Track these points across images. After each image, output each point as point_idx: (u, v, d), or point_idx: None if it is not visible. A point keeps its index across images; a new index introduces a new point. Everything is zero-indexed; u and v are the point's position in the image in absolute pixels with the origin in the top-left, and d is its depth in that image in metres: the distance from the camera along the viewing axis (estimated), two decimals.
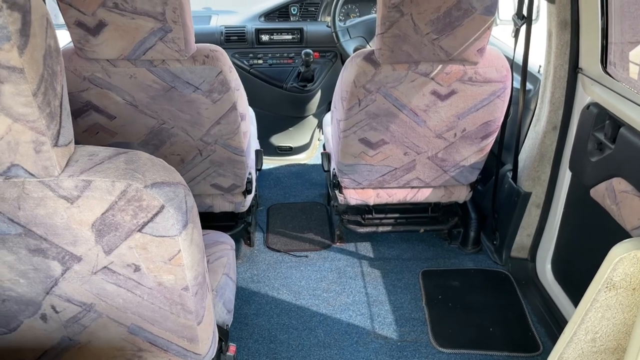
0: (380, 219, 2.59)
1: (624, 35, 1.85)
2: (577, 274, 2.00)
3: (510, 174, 2.29)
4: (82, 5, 1.50)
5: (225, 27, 3.10)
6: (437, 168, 2.19)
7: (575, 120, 1.95)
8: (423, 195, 2.37)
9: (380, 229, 2.58)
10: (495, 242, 2.47)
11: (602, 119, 1.74)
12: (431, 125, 2.00)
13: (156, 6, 1.52)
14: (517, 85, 2.22)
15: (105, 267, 0.95)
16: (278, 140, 3.51)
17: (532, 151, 2.15)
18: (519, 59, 2.10)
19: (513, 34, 2.05)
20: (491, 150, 2.18)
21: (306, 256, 2.56)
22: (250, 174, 2.22)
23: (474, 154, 2.13)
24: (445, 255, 2.58)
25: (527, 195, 2.20)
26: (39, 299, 1.01)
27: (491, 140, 2.08)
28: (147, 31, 1.57)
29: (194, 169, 2.00)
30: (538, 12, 2.29)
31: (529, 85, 2.28)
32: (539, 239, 2.29)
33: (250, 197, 2.31)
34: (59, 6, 1.51)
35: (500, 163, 2.38)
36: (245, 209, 2.31)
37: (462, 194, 2.40)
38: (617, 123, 1.66)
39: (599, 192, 1.72)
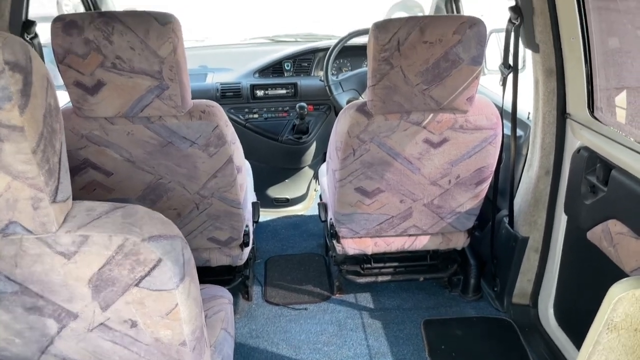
0: (379, 268, 2.57)
1: (609, 82, 1.91)
2: (579, 318, 1.97)
3: (506, 220, 2.30)
4: (81, 66, 1.54)
5: (221, 84, 3.18)
6: (434, 215, 2.20)
7: (567, 164, 1.98)
8: (421, 242, 2.36)
9: (380, 278, 2.56)
10: (495, 289, 2.44)
11: (593, 162, 1.77)
12: (425, 172, 2.02)
13: (153, 65, 1.57)
14: (507, 131, 2.26)
15: (101, 323, 0.94)
16: (275, 192, 3.53)
17: (527, 196, 2.17)
18: (508, 106, 2.15)
19: (501, 83, 2.11)
20: (486, 196, 2.20)
21: (305, 309, 2.52)
22: (247, 226, 2.22)
23: (469, 200, 2.14)
24: (447, 303, 2.55)
25: (525, 240, 2.20)
26: (34, 358, 0.98)
27: (485, 186, 2.10)
28: (144, 89, 1.61)
29: (191, 222, 2.00)
30: (524, 61, 2.37)
31: (519, 132, 2.32)
32: (540, 284, 2.27)
33: (247, 250, 2.30)
34: (58, 68, 1.56)
35: (496, 208, 2.39)
36: (242, 262, 2.30)
37: (460, 241, 2.40)
38: (608, 166, 1.68)
39: (596, 235, 1.73)
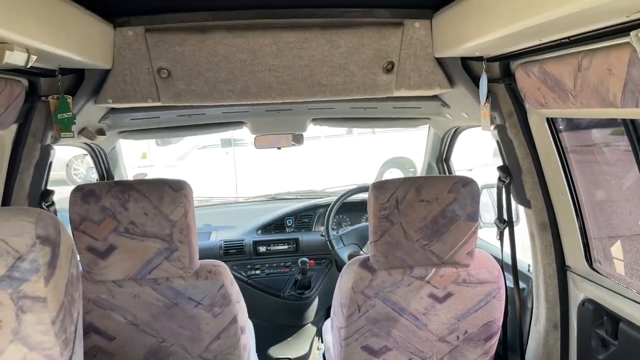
0: None
1: (602, 232, 1.98)
2: None
3: None
4: (95, 232, 1.61)
5: (224, 242, 3.25)
6: None
7: (574, 316, 1.96)
8: None
9: None
10: None
11: (600, 315, 1.76)
12: (432, 328, 1.98)
13: (164, 229, 1.64)
14: (510, 284, 2.27)
15: None
16: (276, 352, 3.39)
17: (538, 351, 2.10)
18: (508, 259, 2.19)
19: (498, 237, 2.18)
20: (496, 352, 2.13)
21: None
22: None
23: (480, 357, 2.07)
24: None
25: None
26: None
27: (495, 342, 2.05)
28: (154, 252, 1.66)
29: None
30: (517, 215, 2.47)
31: (522, 284, 2.33)
32: None
33: None
34: (72, 234, 1.62)
35: None
36: None
37: None
38: (615, 318, 1.67)
39: None
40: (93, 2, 1.69)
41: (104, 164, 2.85)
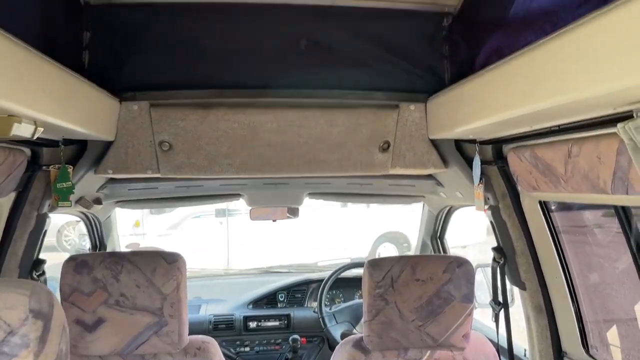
0: None
1: (598, 315, 1.96)
2: None
3: None
4: (85, 304, 1.58)
5: (214, 316, 3.18)
6: None
7: None
8: None
9: None
10: None
11: None
12: None
13: (155, 302, 1.61)
14: None
15: None
16: None
17: None
18: (504, 341, 2.14)
19: (493, 319, 2.15)
20: None
21: None
22: None
23: None
24: None
25: None
26: None
27: None
28: (143, 326, 1.62)
29: None
30: (513, 296, 2.45)
31: None
32: None
33: None
34: (62, 305, 1.59)
35: None
36: None
37: None
38: None
39: None
40: (102, 77, 1.76)
41: (97, 233, 2.83)
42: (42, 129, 1.34)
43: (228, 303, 3.38)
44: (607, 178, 1.32)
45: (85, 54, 1.85)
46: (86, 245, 3.03)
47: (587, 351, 1.81)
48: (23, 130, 1.26)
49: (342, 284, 3.39)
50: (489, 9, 1.74)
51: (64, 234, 9.64)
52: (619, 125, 1.07)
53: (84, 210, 2.41)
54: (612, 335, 1.94)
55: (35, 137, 1.33)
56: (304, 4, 1.96)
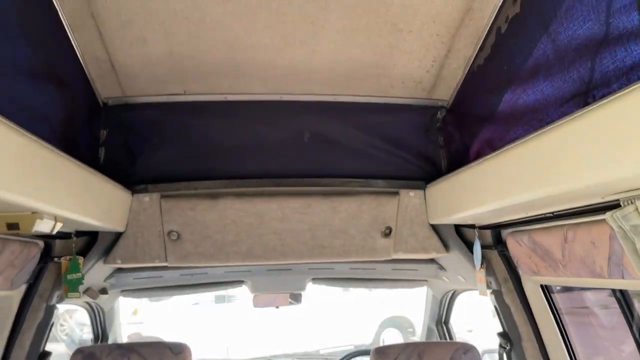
0: None
1: None
2: None
3: None
4: None
5: None
6: None
7: None
8: None
9: None
10: None
11: None
12: None
13: None
14: None
15: None
16: None
17: None
18: None
19: None
20: None
21: None
22: None
23: None
24: None
25: None
26: None
27: None
28: None
29: None
30: None
31: None
32: None
33: None
34: None
35: None
36: None
37: None
38: None
39: None
40: (116, 172, 1.85)
41: (100, 324, 2.81)
42: (61, 224, 1.40)
43: None
44: (603, 263, 1.37)
45: (101, 151, 1.96)
46: (84, 335, 2.99)
47: None
48: (44, 226, 1.32)
49: None
50: (479, 104, 1.88)
51: (59, 323, 9.40)
52: (607, 214, 1.14)
53: (90, 300, 2.41)
54: None
55: (54, 232, 1.39)
56: (307, 100, 2.11)
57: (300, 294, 3.14)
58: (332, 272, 2.87)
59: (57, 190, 1.32)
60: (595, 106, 0.99)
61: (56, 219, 1.38)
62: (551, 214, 1.51)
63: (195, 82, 1.98)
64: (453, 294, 2.97)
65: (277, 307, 3.24)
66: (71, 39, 1.67)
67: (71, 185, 1.41)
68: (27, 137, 1.14)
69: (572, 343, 1.92)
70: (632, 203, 1.09)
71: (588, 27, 1.21)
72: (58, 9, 1.56)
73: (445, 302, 3.05)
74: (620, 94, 0.93)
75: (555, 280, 1.80)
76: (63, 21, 1.60)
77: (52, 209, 1.29)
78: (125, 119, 2.01)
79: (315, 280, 3.02)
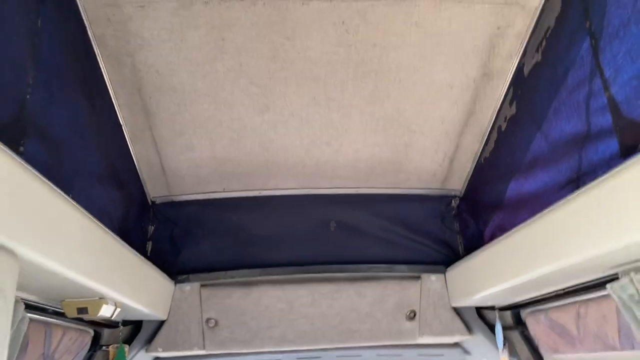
0: None
1: None
2: None
3: None
4: None
5: None
6: None
7: None
8: None
9: None
10: None
11: None
12: None
13: None
14: None
15: None
16: None
17: None
18: None
19: None
20: None
21: None
22: None
23: None
24: None
25: None
26: None
27: None
28: None
29: None
30: None
31: None
32: None
33: None
34: None
35: None
36: None
37: None
38: None
39: None
40: (161, 263, 2.05)
41: None
42: (120, 309, 1.57)
43: None
44: (614, 335, 1.47)
45: (149, 244, 2.17)
46: None
47: None
48: (107, 311, 1.49)
49: None
50: (488, 192, 2.08)
51: None
52: (608, 286, 1.27)
53: None
54: None
55: (113, 317, 1.55)
56: (332, 193, 2.34)
57: None
58: (359, 359, 2.91)
59: (119, 277, 1.50)
60: (585, 189, 1.16)
61: (116, 304, 1.55)
62: (562, 291, 1.63)
63: (233, 180, 2.24)
64: None
65: None
66: (130, 148, 1.96)
67: (130, 274, 1.60)
68: (102, 230, 1.34)
69: None
70: (627, 275, 1.23)
71: (573, 125, 1.43)
72: (122, 123, 1.86)
73: None
74: (603, 178, 1.09)
75: (574, 358, 1.87)
76: (125, 134, 1.89)
77: (114, 294, 1.46)
78: (171, 215, 2.25)
79: None
